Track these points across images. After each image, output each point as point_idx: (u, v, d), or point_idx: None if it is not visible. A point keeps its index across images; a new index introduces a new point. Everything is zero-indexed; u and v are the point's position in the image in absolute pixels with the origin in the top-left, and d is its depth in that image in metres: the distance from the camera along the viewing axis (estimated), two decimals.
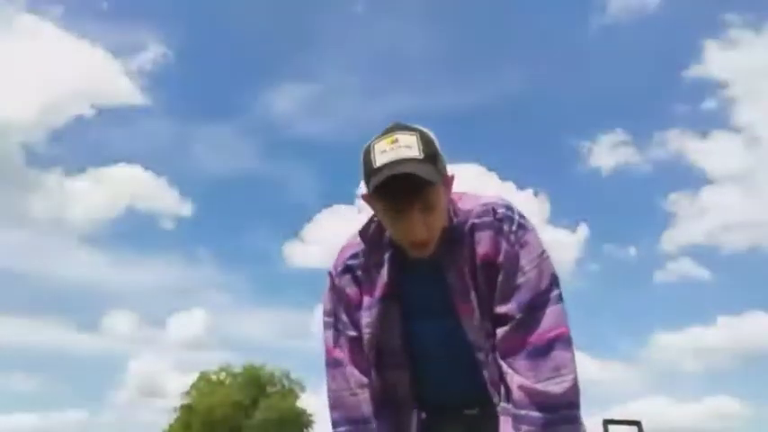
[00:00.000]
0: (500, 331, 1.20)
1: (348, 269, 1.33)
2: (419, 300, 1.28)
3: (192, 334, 39.70)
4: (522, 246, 1.21)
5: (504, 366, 1.18)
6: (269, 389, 30.70)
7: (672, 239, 38.64)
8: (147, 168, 40.91)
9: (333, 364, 1.34)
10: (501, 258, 1.20)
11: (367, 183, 1.20)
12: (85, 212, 45.03)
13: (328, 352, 1.35)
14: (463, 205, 1.27)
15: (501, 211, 1.24)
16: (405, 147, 1.14)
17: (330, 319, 1.35)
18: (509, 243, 1.21)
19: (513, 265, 1.20)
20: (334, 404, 1.33)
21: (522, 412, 1.15)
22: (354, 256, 1.33)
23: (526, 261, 1.20)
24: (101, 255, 45.22)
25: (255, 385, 30.23)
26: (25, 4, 46.40)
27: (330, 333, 1.35)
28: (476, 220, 1.24)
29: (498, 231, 1.22)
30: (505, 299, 1.19)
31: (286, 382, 30.98)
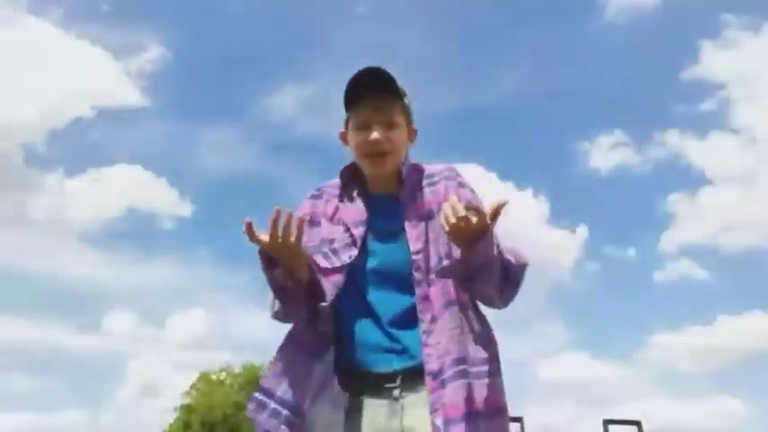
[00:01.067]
0: None
1: (318, 195, 1.56)
2: (380, 231, 1.47)
3: (192, 334, 39.85)
4: (477, 196, 1.51)
5: None
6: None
7: (671, 240, 38.76)
8: (147, 169, 41.16)
9: None
10: (465, 203, 1.43)
11: (346, 106, 1.48)
12: (86, 213, 45.21)
13: None
14: (426, 166, 1.56)
15: (460, 173, 1.54)
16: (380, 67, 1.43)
17: None
18: (472, 193, 1.51)
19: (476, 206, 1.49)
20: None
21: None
22: (325, 186, 1.57)
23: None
24: (101, 255, 45.35)
25: (255, 385, 30.11)
26: (26, 5, 46.57)
27: None
28: (436, 178, 1.52)
29: (460, 185, 1.51)
30: None
31: None
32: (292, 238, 1.29)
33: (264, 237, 1.28)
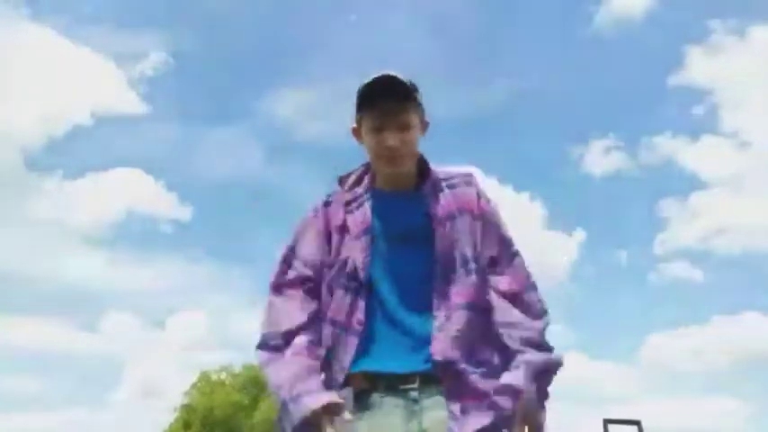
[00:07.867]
0: (497, 275, 1.46)
1: (325, 205, 1.53)
2: (398, 229, 1.46)
3: (192, 334, 39.81)
4: (494, 206, 1.54)
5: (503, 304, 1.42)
6: (269, 389, 30.66)
7: (665, 243, 38.77)
8: (146, 172, 41.17)
9: (274, 291, 1.49)
10: (485, 214, 1.50)
11: (358, 108, 1.47)
12: (86, 216, 45.17)
13: (275, 278, 1.50)
14: (442, 169, 1.55)
15: (476, 179, 1.55)
16: (393, 73, 1.43)
17: (288, 253, 1.51)
18: (487, 202, 1.53)
19: (495, 219, 1.52)
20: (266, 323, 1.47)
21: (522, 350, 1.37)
22: (328, 197, 1.54)
23: (502, 219, 1.54)
24: (101, 257, 45.31)
25: (255, 385, 30.23)
26: (28, 12, 46.39)
27: (283, 266, 1.50)
28: (455, 180, 1.53)
29: (480, 195, 1.52)
30: (493, 244, 1.49)
31: None
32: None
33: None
